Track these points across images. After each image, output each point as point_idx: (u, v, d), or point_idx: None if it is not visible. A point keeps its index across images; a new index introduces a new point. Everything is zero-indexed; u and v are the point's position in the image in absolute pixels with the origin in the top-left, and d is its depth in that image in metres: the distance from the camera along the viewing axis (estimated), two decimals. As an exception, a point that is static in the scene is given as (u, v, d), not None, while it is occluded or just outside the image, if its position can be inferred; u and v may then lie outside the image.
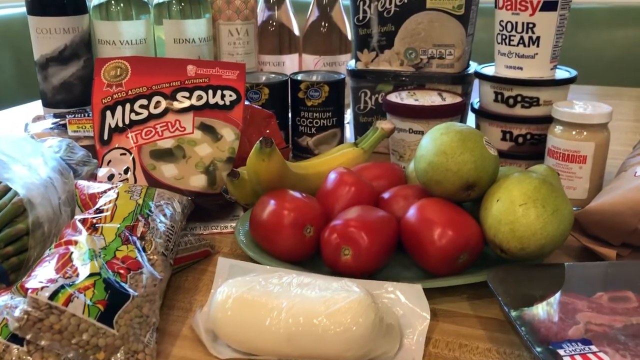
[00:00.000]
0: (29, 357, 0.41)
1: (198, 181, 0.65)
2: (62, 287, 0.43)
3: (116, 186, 0.58)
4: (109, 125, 0.67)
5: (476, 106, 0.79)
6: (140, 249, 0.50)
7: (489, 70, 0.78)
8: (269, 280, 0.47)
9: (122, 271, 0.47)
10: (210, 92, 0.70)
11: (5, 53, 1.58)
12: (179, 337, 0.49)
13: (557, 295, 0.48)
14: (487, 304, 0.52)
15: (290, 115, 0.86)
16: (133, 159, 0.65)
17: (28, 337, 0.40)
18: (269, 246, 0.56)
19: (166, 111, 0.68)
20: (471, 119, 0.83)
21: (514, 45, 0.74)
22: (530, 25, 0.72)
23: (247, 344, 0.45)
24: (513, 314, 0.45)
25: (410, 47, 0.84)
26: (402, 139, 0.77)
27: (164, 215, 0.55)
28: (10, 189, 0.54)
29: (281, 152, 0.77)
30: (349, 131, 0.98)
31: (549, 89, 0.73)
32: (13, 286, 0.45)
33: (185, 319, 0.51)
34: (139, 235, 0.51)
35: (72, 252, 0.47)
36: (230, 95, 0.70)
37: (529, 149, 0.75)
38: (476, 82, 0.81)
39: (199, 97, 0.69)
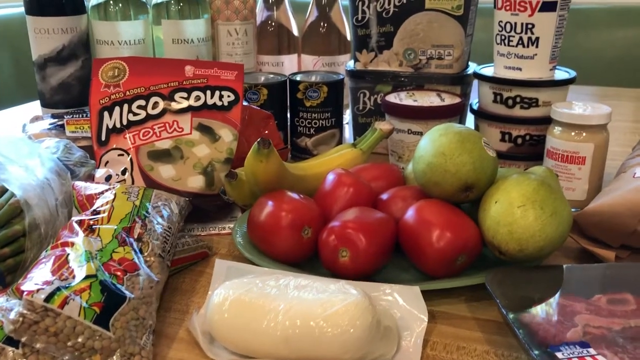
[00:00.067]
0: (24, 360, 0.40)
1: (196, 182, 0.65)
2: (58, 289, 0.43)
3: (113, 187, 0.58)
4: (107, 126, 0.67)
5: (475, 107, 0.79)
6: (137, 250, 0.50)
7: (488, 70, 0.78)
8: (266, 283, 0.47)
9: (118, 273, 0.47)
10: (209, 92, 0.70)
11: (4, 53, 1.58)
12: (176, 339, 0.48)
13: (556, 297, 0.48)
14: (486, 306, 0.52)
15: (289, 115, 0.86)
16: (131, 159, 0.65)
17: (23, 339, 0.40)
18: (267, 248, 0.56)
19: (164, 112, 0.68)
20: (470, 119, 0.83)
21: (513, 46, 0.74)
22: (530, 26, 0.72)
23: (244, 346, 0.45)
24: (511, 316, 0.45)
25: (409, 48, 0.84)
26: (401, 139, 0.76)
27: (161, 216, 0.55)
28: (6, 190, 0.54)
29: (280, 153, 0.77)
30: (347, 132, 0.97)
31: (548, 89, 0.73)
32: (9, 288, 0.45)
33: (182, 321, 0.51)
34: (135, 236, 0.51)
35: (68, 254, 0.47)
36: (229, 96, 0.70)
37: (528, 150, 0.75)
38: (475, 82, 0.80)
39: (197, 98, 0.69)
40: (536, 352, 0.41)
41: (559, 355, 0.41)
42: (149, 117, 0.67)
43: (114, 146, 0.66)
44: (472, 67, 0.85)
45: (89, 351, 0.41)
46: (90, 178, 0.66)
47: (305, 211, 0.56)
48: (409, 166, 0.67)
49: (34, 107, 1.04)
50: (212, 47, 0.95)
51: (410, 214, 0.55)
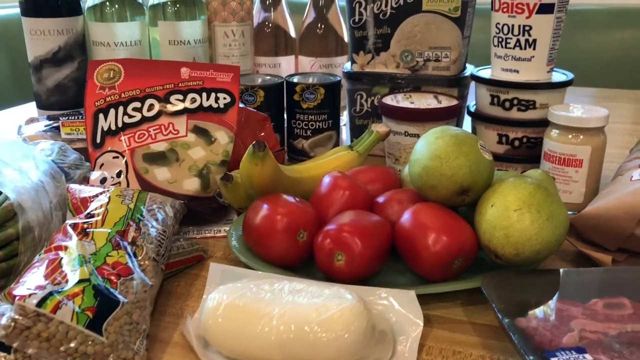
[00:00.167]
0: (16, 365, 0.40)
1: (191, 185, 0.64)
2: (51, 293, 0.42)
3: (108, 190, 0.57)
4: (102, 128, 0.67)
5: (472, 109, 0.79)
6: (131, 254, 0.50)
7: (485, 73, 0.78)
8: (261, 287, 0.46)
9: (112, 277, 0.46)
10: (204, 94, 0.69)
11: (0, 54, 1.57)
12: (170, 343, 0.48)
13: (552, 301, 0.48)
14: (482, 310, 0.52)
15: (285, 117, 0.86)
16: (126, 162, 0.65)
17: (15, 345, 0.40)
18: (262, 251, 0.56)
19: (159, 114, 0.68)
20: (467, 122, 0.83)
21: (510, 48, 0.74)
22: (527, 28, 0.72)
23: (238, 351, 0.45)
24: (506, 321, 0.45)
25: (406, 50, 0.83)
26: (398, 142, 0.76)
27: (156, 219, 0.55)
28: (0, 193, 0.54)
29: (276, 155, 0.77)
30: (345, 133, 0.97)
31: (545, 92, 0.73)
32: (1, 293, 0.45)
33: (177, 325, 0.50)
34: (130, 240, 0.51)
35: (61, 258, 0.47)
36: (225, 98, 0.70)
37: (525, 153, 0.75)
38: (472, 84, 0.80)
39: (193, 100, 0.69)
40: (532, 357, 0.41)
41: (554, 360, 0.41)
42: (144, 120, 0.67)
43: (109, 148, 0.66)
44: (470, 69, 0.84)
45: (81, 356, 0.41)
46: (85, 181, 0.65)
47: (301, 214, 0.56)
48: (406, 169, 0.66)
49: (31, 108, 1.03)
50: (208, 49, 0.95)
51: (406, 217, 0.54)
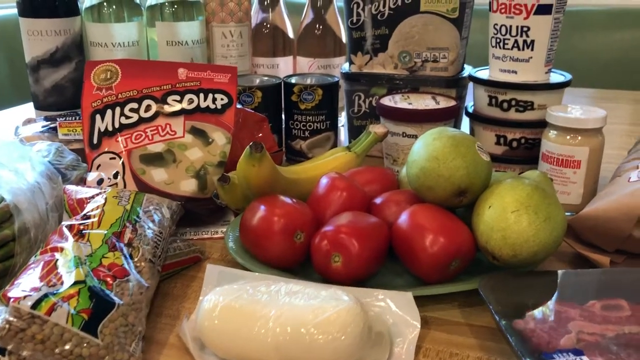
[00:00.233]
0: (10, 368, 0.40)
1: (188, 186, 0.64)
2: (46, 295, 0.42)
3: (104, 191, 0.57)
4: (99, 129, 0.67)
5: (470, 110, 0.79)
6: (127, 255, 0.50)
7: (483, 73, 0.78)
8: (257, 289, 0.46)
9: (108, 279, 0.46)
10: (202, 95, 0.69)
11: (-1, 54, 1.57)
12: (166, 345, 0.48)
13: (549, 303, 0.48)
14: (479, 312, 0.51)
15: (283, 118, 0.86)
16: (123, 163, 0.65)
17: (9, 347, 0.40)
18: (259, 252, 0.55)
19: (157, 115, 0.68)
20: (465, 123, 0.82)
21: (508, 49, 0.74)
22: (525, 29, 0.72)
23: (234, 353, 0.44)
24: (503, 323, 0.45)
25: (404, 51, 0.83)
26: (396, 142, 0.76)
27: (153, 221, 0.55)
28: (-4, 194, 0.54)
29: (274, 156, 0.77)
30: (343, 134, 0.97)
31: (543, 92, 0.73)
32: (-4, 294, 0.45)
33: (173, 327, 0.50)
34: (126, 242, 0.51)
35: (57, 260, 0.46)
36: (222, 99, 0.70)
37: (523, 154, 0.75)
38: (471, 85, 0.80)
39: (190, 101, 0.69)
40: (529, 359, 0.41)
41: (552, 362, 0.41)
42: (141, 120, 0.67)
43: (106, 149, 0.66)
44: (468, 70, 0.84)
45: (76, 358, 0.41)
46: (81, 182, 0.65)
47: (298, 215, 0.55)
48: (403, 170, 0.66)
49: (29, 109, 1.03)
50: (206, 49, 0.95)
51: (403, 218, 0.54)
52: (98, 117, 0.67)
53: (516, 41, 0.72)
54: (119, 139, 0.66)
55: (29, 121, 0.83)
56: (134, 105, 0.68)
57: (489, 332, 0.49)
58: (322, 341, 0.42)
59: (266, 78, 0.87)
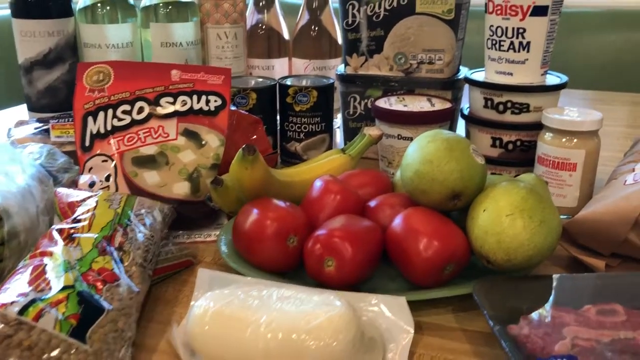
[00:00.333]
0: (-3, 375, 0.39)
1: (181, 188, 0.64)
2: (33, 301, 0.41)
3: (96, 195, 0.57)
4: (91, 131, 0.66)
5: (466, 112, 0.78)
6: (118, 260, 0.49)
7: (478, 75, 0.77)
8: (249, 294, 0.46)
9: (97, 283, 0.46)
10: (195, 97, 0.69)
11: (-7, 55, 1.56)
12: (157, 351, 0.47)
13: (544, 308, 0.47)
14: (474, 317, 0.51)
15: (278, 120, 0.85)
16: (115, 165, 0.64)
17: (-4, 354, 0.39)
18: (252, 257, 0.55)
19: (149, 117, 0.67)
20: (461, 125, 0.82)
21: (504, 51, 0.73)
22: (521, 31, 0.71)
23: (225, 359, 0.44)
24: (497, 328, 0.44)
25: (400, 52, 0.83)
26: (391, 145, 0.76)
27: (144, 224, 0.54)
28: (-15, 197, 0.53)
29: (268, 158, 0.76)
30: (339, 136, 0.97)
31: (539, 95, 0.72)
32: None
33: (164, 332, 0.49)
34: (116, 245, 0.50)
35: (46, 264, 0.46)
36: (216, 101, 0.69)
37: (519, 156, 0.74)
38: (466, 87, 0.80)
39: (183, 103, 0.68)
40: (523, 365, 0.40)
41: (546, 369, 0.40)
42: (133, 123, 0.66)
43: (98, 152, 0.65)
44: (464, 72, 0.84)
45: (64, 365, 0.40)
46: (73, 184, 0.65)
47: (291, 219, 0.55)
48: (398, 172, 0.66)
49: (22, 110, 1.02)
50: (201, 51, 0.94)
51: (397, 222, 0.54)
52: (90, 119, 0.67)
53: (512, 43, 0.72)
54: (111, 141, 0.65)
55: (21, 123, 0.82)
56: (127, 107, 0.67)
57: (483, 337, 0.49)
58: (313, 347, 0.41)
59: (261, 79, 0.86)
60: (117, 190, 0.63)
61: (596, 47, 1.48)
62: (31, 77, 0.90)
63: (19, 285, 0.43)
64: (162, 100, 0.68)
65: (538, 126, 0.70)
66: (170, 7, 0.89)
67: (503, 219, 0.50)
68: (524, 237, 0.49)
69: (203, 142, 0.66)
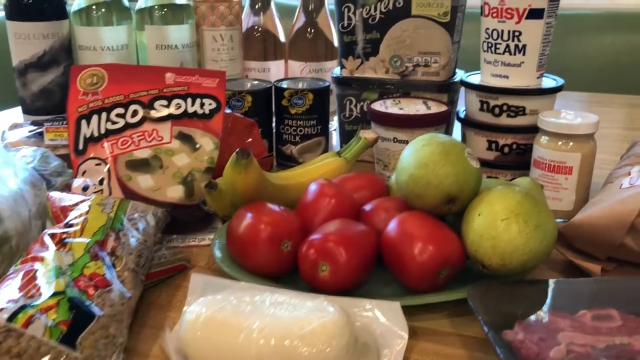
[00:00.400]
0: (-14, 382, 0.39)
1: (175, 192, 0.63)
2: (23, 307, 0.41)
3: (89, 199, 0.56)
4: (84, 134, 0.66)
5: (462, 115, 0.78)
6: (110, 265, 0.49)
7: (474, 78, 0.77)
8: (242, 299, 0.45)
9: (89, 289, 0.45)
10: (190, 100, 0.68)
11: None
12: (149, 357, 0.47)
13: (539, 313, 0.47)
14: (469, 322, 0.51)
15: (274, 123, 0.85)
16: (108, 169, 0.64)
17: (-16, 361, 0.39)
18: (246, 261, 0.55)
19: (143, 120, 0.67)
20: (457, 128, 0.82)
21: (499, 54, 0.73)
22: (517, 34, 0.71)
23: (217, 365, 0.43)
24: (492, 334, 0.44)
25: (396, 55, 0.82)
26: (387, 148, 0.75)
27: (137, 229, 0.54)
28: (-23, 202, 0.53)
29: (263, 161, 0.76)
30: (335, 139, 0.96)
31: (535, 98, 0.72)
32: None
33: (157, 338, 0.49)
34: (109, 250, 0.50)
35: (37, 270, 0.45)
36: (210, 104, 0.69)
37: (515, 159, 0.74)
38: (462, 90, 0.79)
39: (178, 106, 0.68)
40: (517, 372, 0.40)
41: (541, 375, 0.40)
42: (127, 126, 0.66)
43: (92, 155, 0.65)
44: (460, 75, 0.83)
45: (54, 372, 0.40)
46: (67, 188, 0.64)
47: (285, 223, 0.54)
48: (393, 176, 0.65)
49: (17, 113, 1.02)
50: (197, 53, 0.94)
51: (392, 226, 0.53)
52: (84, 122, 0.66)
53: (508, 46, 0.72)
54: (105, 144, 0.65)
55: (15, 126, 0.81)
56: (121, 110, 0.67)
57: (478, 342, 0.48)
58: (306, 354, 0.41)
59: (257, 82, 0.86)
60: (110, 194, 0.62)
61: (594, 49, 1.48)
62: (25, 79, 0.90)
63: (9, 291, 0.43)
64: (157, 104, 0.68)
65: (534, 129, 0.69)
66: (165, 9, 0.89)
67: (498, 223, 0.49)
68: (519, 241, 0.49)
69: (197, 146, 0.66)
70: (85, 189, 0.63)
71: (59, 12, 0.89)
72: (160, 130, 0.66)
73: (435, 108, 0.76)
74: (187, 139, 0.66)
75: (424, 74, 0.82)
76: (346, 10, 0.83)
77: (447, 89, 0.82)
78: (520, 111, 0.72)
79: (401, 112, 0.74)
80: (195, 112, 0.68)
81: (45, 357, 0.40)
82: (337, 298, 0.48)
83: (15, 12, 0.87)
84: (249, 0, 0.98)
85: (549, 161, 0.66)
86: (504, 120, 0.73)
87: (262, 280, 0.53)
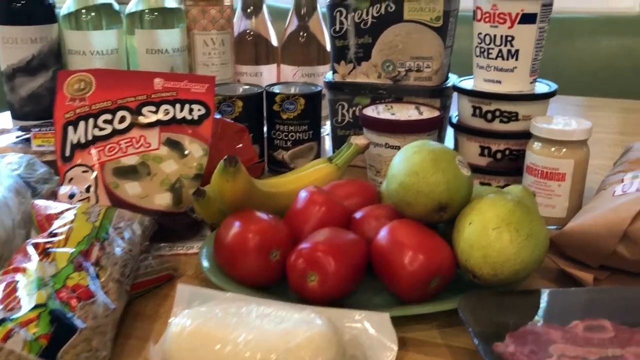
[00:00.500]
0: (-37, 398, 0.38)
1: (163, 199, 0.62)
2: (2, 320, 0.40)
3: (74, 207, 0.55)
4: (71, 141, 0.65)
5: (454, 120, 0.77)
6: (94, 275, 0.48)
7: (467, 83, 0.76)
8: (227, 311, 0.44)
9: (71, 301, 0.44)
10: (178, 106, 0.67)
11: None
12: (133, 369, 0.46)
13: (531, 324, 0.46)
14: (459, 332, 0.50)
15: (265, 128, 0.84)
16: (95, 176, 0.63)
17: (-39, 377, 0.38)
18: (233, 271, 0.54)
19: (131, 126, 0.66)
20: (450, 133, 0.81)
21: (492, 59, 0.72)
22: (509, 38, 0.70)
23: (202, 379, 0.42)
24: (482, 346, 0.43)
25: (388, 60, 0.82)
26: (379, 153, 0.74)
27: (122, 238, 0.53)
28: (-41, 211, 0.52)
29: (254, 167, 0.75)
30: (328, 144, 0.95)
31: (527, 103, 0.71)
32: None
33: (142, 350, 0.48)
34: (93, 261, 0.49)
35: (17, 282, 0.44)
36: (199, 110, 0.68)
37: (508, 165, 0.73)
38: (455, 95, 0.79)
39: (166, 112, 0.67)
40: (508, 386, 0.39)
41: (531, 389, 0.39)
42: (115, 132, 0.65)
43: (79, 162, 0.64)
44: (453, 79, 0.83)
45: (34, 387, 0.39)
46: (53, 195, 0.63)
47: (273, 233, 0.54)
48: (384, 183, 0.65)
49: (6, 118, 1.01)
50: (187, 58, 0.93)
51: (382, 235, 0.53)
52: (70, 128, 0.65)
53: (500, 51, 0.71)
54: (92, 151, 0.64)
55: (2, 132, 0.80)
56: (108, 116, 0.66)
57: (468, 354, 0.48)
58: (293, 367, 0.40)
59: (248, 87, 0.85)
60: (97, 201, 0.61)
61: (588, 53, 1.48)
62: (14, 84, 0.89)
63: (-12, 304, 0.42)
64: (145, 110, 0.67)
65: (527, 135, 0.69)
66: (156, 13, 0.88)
67: (489, 232, 0.49)
68: (510, 251, 0.48)
69: (186, 152, 0.65)
70: (71, 196, 0.62)
71: (48, 16, 0.88)
72: (148, 137, 0.65)
73: (428, 113, 0.75)
74: (175, 146, 0.65)
75: (416, 79, 0.82)
76: (338, 14, 0.82)
77: (440, 94, 0.81)
78: (513, 117, 0.72)
79: (393, 117, 0.73)
80: (184, 118, 0.67)
81: (24, 373, 0.39)
82: (325, 309, 0.47)
83: (3, 16, 0.86)
84: (240, 4, 0.97)
85: (541, 168, 0.66)
86: (497, 125, 0.72)
87: (250, 290, 0.52)
